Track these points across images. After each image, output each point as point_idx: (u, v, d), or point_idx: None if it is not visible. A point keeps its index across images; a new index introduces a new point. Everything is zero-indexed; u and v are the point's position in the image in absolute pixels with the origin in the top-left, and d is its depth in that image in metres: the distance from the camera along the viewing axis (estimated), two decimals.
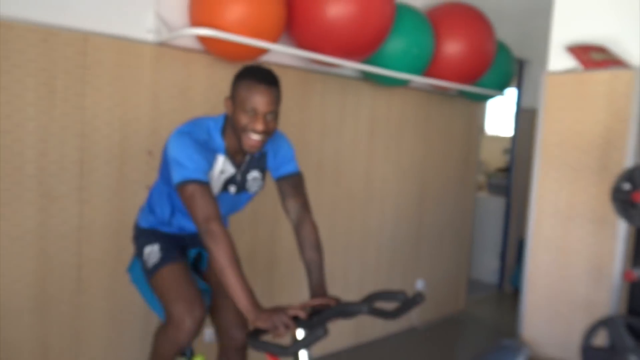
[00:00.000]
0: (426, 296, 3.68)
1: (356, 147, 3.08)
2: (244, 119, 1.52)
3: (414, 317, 3.61)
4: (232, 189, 1.70)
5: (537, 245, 2.37)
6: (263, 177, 1.75)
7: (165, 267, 1.69)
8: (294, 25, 2.35)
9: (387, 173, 3.29)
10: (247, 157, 1.68)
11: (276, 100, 1.54)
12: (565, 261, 2.27)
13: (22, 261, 1.96)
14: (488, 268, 4.87)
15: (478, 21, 3.01)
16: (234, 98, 1.56)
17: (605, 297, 2.13)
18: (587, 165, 2.19)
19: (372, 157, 3.18)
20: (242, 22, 2.10)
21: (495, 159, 5.71)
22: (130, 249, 2.19)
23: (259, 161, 1.72)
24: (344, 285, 3.14)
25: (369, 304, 1.29)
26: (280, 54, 2.45)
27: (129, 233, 2.18)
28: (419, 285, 3.65)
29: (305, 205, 1.69)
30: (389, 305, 1.40)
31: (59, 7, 1.95)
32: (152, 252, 1.72)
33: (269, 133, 1.55)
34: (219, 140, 1.61)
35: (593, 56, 2.11)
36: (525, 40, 4.16)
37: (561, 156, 2.28)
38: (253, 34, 2.14)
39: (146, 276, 1.73)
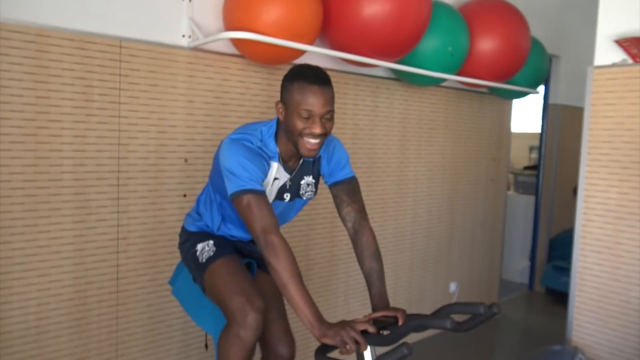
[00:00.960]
0: (458, 298, 3.62)
1: (388, 149, 3.01)
2: (299, 124, 1.46)
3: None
4: (287, 196, 1.64)
5: (585, 246, 2.28)
6: (317, 183, 1.69)
7: (220, 259, 1.63)
8: (329, 26, 2.28)
9: (419, 174, 3.22)
10: (300, 163, 1.62)
11: (331, 99, 1.47)
12: (617, 262, 2.18)
13: (61, 275, 1.91)
14: (517, 268, 4.77)
15: (513, 16, 2.93)
16: (286, 102, 1.50)
17: None
18: (638, 162, 2.10)
19: (404, 158, 3.11)
20: (278, 25, 2.04)
21: (520, 157, 5.61)
22: (167, 259, 2.15)
23: (313, 166, 1.66)
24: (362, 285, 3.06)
25: (451, 320, 1.21)
26: (314, 56, 2.39)
27: (165, 243, 2.14)
28: (453, 288, 3.57)
29: (362, 212, 1.63)
30: (457, 317, 1.33)
31: (93, 14, 1.90)
32: (206, 247, 1.67)
33: (327, 135, 1.49)
34: (272, 147, 1.55)
35: None
36: (552, 35, 4.06)
37: (610, 153, 2.19)
38: (290, 36, 2.08)
39: (199, 273, 1.66)
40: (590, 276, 2.27)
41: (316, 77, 1.46)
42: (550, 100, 4.43)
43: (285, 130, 1.52)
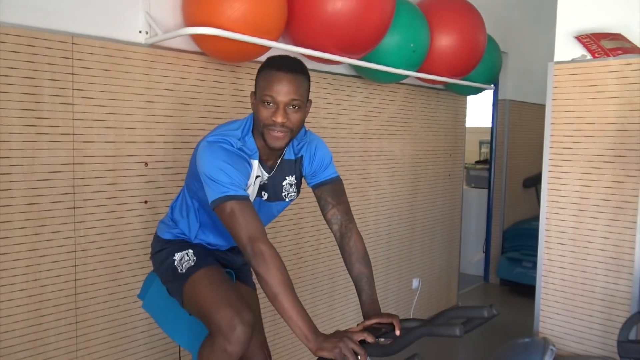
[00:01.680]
0: (420, 294, 3.64)
1: (351, 147, 2.97)
2: (263, 112, 1.40)
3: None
4: (264, 194, 1.56)
5: (550, 239, 2.33)
6: (299, 184, 1.61)
7: (203, 269, 1.53)
8: (294, 22, 2.21)
9: (381, 172, 3.20)
10: (279, 162, 1.54)
11: (298, 89, 1.39)
12: (581, 253, 2.24)
13: (13, 294, 1.74)
14: (472, 260, 4.88)
15: (470, 13, 2.96)
16: (255, 91, 1.44)
17: (625, 288, 2.11)
18: (600, 155, 2.16)
19: (367, 156, 3.08)
20: (243, 20, 1.94)
21: (471, 152, 5.73)
22: (129, 270, 2.02)
23: (295, 166, 1.58)
24: (345, 289, 3.03)
25: (460, 327, 1.15)
26: (279, 53, 2.30)
27: (126, 253, 2.01)
28: (415, 284, 3.59)
29: (349, 214, 1.57)
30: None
31: (42, 7, 1.74)
32: (186, 256, 1.56)
33: (293, 127, 1.42)
34: (251, 144, 1.47)
35: (604, 44, 2.08)
36: (500, 32, 4.16)
37: (572, 147, 2.24)
38: (254, 32, 1.99)
39: (177, 285, 1.54)
40: (555, 268, 2.32)
41: (283, 64, 1.40)
42: (500, 96, 4.55)
43: (255, 123, 1.46)
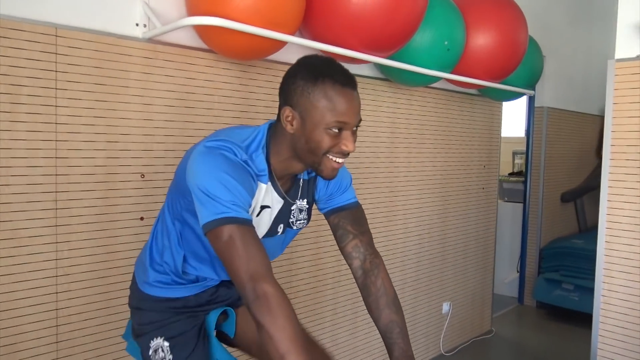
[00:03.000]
0: (451, 319, 3.31)
1: (376, 156, 2.68)
2: (327, 140, 1.12)
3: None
4: (280, 228, 1.28)
5: (611, 266, 2.00)
6: (310, 209, 1.33)
7: None
8: (313, 14, 1.94)
9: (409, 184, 2.90)
10: (297, 184, 1.27)
11: (360, 107, 1.18)
12: None
13: None
14: (505, 280, 4.51)
15: (510, 7, 2.65)
16: (304, 110, 1.13)
17: None
18: None
19: (394, 166, 2.79)
20: (255, 10, 1.68)
21: (504, 163, 5.37)
22: (121, 297, 1.75)
23: (308, 188, 1.30)
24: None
25: None
26: (296, 49, 2.04)
27: (119, 277, 1.75)
28: (445, 308, 3.26)
29: (373, 246, 1.29)
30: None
31: None
32: (160, 352, 1.27)
33: None
34: (260, 163, 1.18)
35: None
36: (537, 35, 3.83)
37: (637, 159, 1.91)
38: (268, 25, 1.72)
39: None
40: (616, 300, 1.98)
41: (347, 77, 1.14)
42: (536, 103, 4.20)
43: (296, 146, 1.17)
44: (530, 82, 3.16)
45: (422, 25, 2.23)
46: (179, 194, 1.23)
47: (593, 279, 3.71)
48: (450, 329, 3.30)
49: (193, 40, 1.88)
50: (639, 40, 1.92)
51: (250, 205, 1.14)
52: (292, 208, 1.28)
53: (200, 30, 1.79)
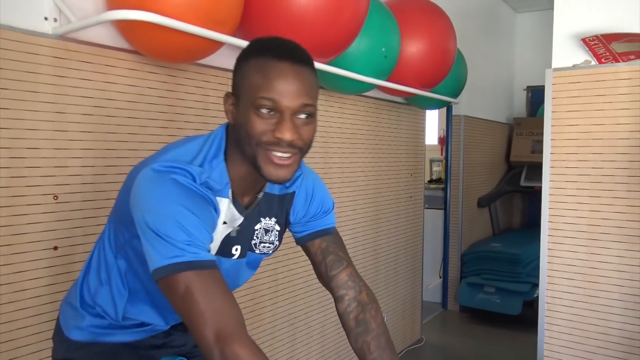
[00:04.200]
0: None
1: (310, 165, 2.54)
2: (258, 124, 0.91)
3: None
4: (236, 250, 1.07)
5: (554, 273, 2.01)
6: (282, 232, 1.15)
7: None
8: (251, 14, 1.77)
9: (343, 196, 2.79)
10: (259, 198, 1.08)
11: (310, 89, 0.94)
12: (592, 289, 1.93)
13: None
14: (428, 286, 4.56)
15: (440, 16, 2.64)
16: (238, 91, 0.95)
17: None
18: (611, 175, 1.87)
19: (328, 179, 2.66)
20: (189, 5, 1.48)
21: None
22: (31, 345, 1.46)
23: (280, 204, 1.12)
24: (306, 330, 2.57)
25: None
26: (230, 53, 1.85)
27: (28, 320, 1.46)
28: None
29: (360, 278, 1.14)
30: None
31: None
32: None
33: (304, 147, 0.96)
34: (221, 173, 0.98)
35: (615, 47, 1.80)
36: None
37: (578, 166, 1.94)
38: (204, 22, 1.53)
39: None
40: (561, 307, 1.99)
41: (287, 50, 0.93)
42: (454, 112, 4.30)
43: (237, 139, 0.97)
44: (456, 90, 3.19)
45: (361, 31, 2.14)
46: (122, 225, 1.01)
47: (513, 281, 3.89)
48: None
49: (113, 38, 1.63)
50: (574, 51, 1.95)
51: (211, 241, 0.94)
52: (255, 227, 1.10)
53: (123, 27, 1.55)
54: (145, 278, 1.02)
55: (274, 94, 0.90)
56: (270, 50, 0.93)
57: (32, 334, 1.46)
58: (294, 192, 1.13)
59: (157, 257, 0.85)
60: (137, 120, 1.73)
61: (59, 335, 1.13)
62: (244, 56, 0.96)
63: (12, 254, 1.41)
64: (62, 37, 1.50)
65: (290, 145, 0.92)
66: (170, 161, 0.93)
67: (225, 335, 0.82)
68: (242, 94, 0.95)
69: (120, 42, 1.64)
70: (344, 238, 2.68)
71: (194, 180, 0.92)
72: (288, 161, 0.94)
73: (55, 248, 1.51)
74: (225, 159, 0.99)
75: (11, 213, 1.41)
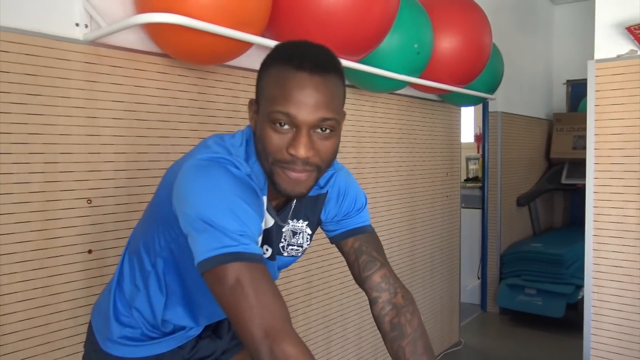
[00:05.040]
0: None
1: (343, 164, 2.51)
2: (273, 139, 0.88)
3: None
4: (267, 252, 1.04)
5: (600, 275, 1.91)
6: (312, 234, 1.13)
7: None
8: (279, 14, 1.75)
9: (377, 196, 2.75)
10: (293, 203, 1.05)
11: (331, 100, 0.88)
12: None
13: None
14: (467, 288, 4.45)
15: (474, 11, 2.57)
16: (258, 100, 0.94)
17: None
18: None
19: (361, 179, 2.62)
20: (217, 6, 1.47)
21: None
22: (67, 348, 1.48)
23: (312, 206, 1.08)
24: (342, 335, 2.54)
25: None
26: (259, 53, 1.83)
27: (63, 324, 1.47)
28: None
29: (396, 279, 1.10)
30: None
31: None
32: None
33: (321, 164, 0.91)
34: (260, 174, 0.96)
35: None
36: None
37: (624, 162, 1.84)
38: (232, 23, 1.51)
39: None
40: (608, 310, 1.90)
41: (308, 58, 0.88)
42: (490, 108, 4.19)
43: (257, 148, 0.95)
44: (492, 87, 3.10)
45: (392, 28, 2.09)
46: (164, 226, 0.99)
47: (556, 283, 3.75)
48: None
49: (143, 42, 1.64)
50: (618, 41, 1.85)
51: (260, 234, 0.92)
52: (283, 230, 1.07)
53: (153, 30, 1.56)
54: (187, 276, 1.01)
55: (289, 107, 0.86)
56: (289, 59, 0.88)
57: (68, 337, 1.47)
58: (327, 192, 1.09)
59: (205, 247, 0.82)
60: (168, 124, 1.73)
61: (92, 344, 1.12)
62: (266, 63, 0.93)
63: (46, 257, 1.43)
64: (93, 43, 1.52)
65: (306, 163, 0.88)
66: (217, 153, 0.91)
67: (274, 333, 0.79)
68: (260, 105, 0.92)
69: (150, 46, 1.65)
70: (380, 238, 2.64)
71: (241, 171, 0.91)
72: (303, 177, 0.91)
73: (90, 252, 1.53)
74: (259, 159, 0.97)
75: (46, 217, 1.43)
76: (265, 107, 0.90)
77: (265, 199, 0.97)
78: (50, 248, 1.44)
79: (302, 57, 0.88)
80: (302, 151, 0.87)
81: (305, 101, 0.86)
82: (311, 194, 1.07)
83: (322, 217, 1.11)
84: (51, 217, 1.44)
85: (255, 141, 0.95)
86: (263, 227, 0.96)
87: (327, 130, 0.90)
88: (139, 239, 1.07)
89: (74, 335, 1.49)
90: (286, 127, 0.88)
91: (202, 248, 0.83)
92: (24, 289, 1.39)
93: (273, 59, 0.92)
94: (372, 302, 1.10)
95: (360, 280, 1.11)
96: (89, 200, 1.52)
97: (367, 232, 1.13)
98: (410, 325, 1.05)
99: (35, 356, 1.42)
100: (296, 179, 0.90)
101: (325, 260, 2.40)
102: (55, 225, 1.45)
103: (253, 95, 1.00)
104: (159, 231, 1.01)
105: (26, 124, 1.38)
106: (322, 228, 1.16)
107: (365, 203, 1.16)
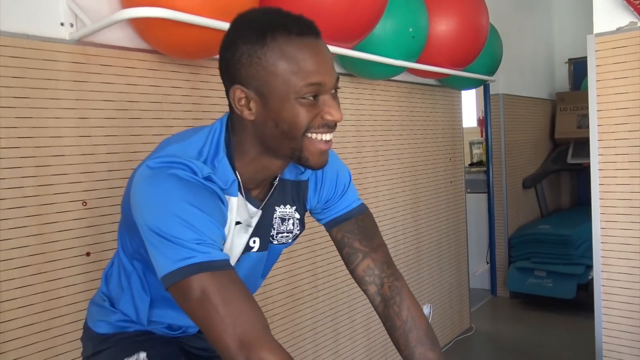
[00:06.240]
0: (433, 321, 3.15)
1: (343, 157, 2.48)
2: (303, 112, 0.84)
3: None
4: (254, 242, 1.01)
5: (608, 253, 1.88)
6: (302, 220, 1.09)
7: None
8: (268, 3, 1.71)
9: (379, 184, 2.71)
10: (273, 188, 1.01)
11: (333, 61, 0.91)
12: None
13: None
14: (476, 272, 4.42)
15: None
16: (260, 82, 0.85)
17: None
18: None
19: (361, 165, 2.59)
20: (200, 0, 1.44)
21: None
22: (69, 353, 1.46)
23: (294, 191, 1.05)
24: (350, 327, 2.52)
25: None
26: None
27: (64, 328, 1.46)
28: (426, 311, 3.08)
29: (391, 264, 1.07)
30: None
31: None
32: None
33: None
34: (227, 171, 0.91)
35: None
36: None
37: (628, 137, 1.80)
38: (220, 16, 1.48)
39: None
40: (618, 289, 1.86)
41: (303, 23, 0.86)
42: (492, 91, 4.13)
43: (264, 136, 0.89)
44: (491, 68, 3.06)
45: (385, 12, 2.05)
46: (131, 230, 0.96)
47: (565, 264, 3.71)
48: None
49: (133, 39, 1.61)
50: (618, 13, 1.81)
51: (223, 238, 0.88)
52: (274, 215, 1.04)
53: (140, 26, 1.53)
54: None
55: (318, 77, 0.84)
56: (285, 28, 0.84)
57: (70, 342, 1.46)
58: (307, 180, 1.06)
59: (165, 262, 0.80)
60: (162, 121, 1.71)
61: (86, 333, 1.12)
62: (257, 36, 0.84)
63: (44, 262, 1.41)
64: (80, 42, 1.49)
65: (335, 124, 0.88)
66: (169, 156, 0.87)
67: (250, 341, 0.77)
68: (270, 89, 0.85)
69: (140, 43, 1.62)
70: (383, 230, 2.59)
71: (195, 174, 0.86)
72: (330, 145, 0.91)
73: (88, 254, 1.51)
74: (230, 156, 0.92)
75: (41, 222, 1.41)
76: (284, 88, 0.84)
77: (236, 199, 0.93)
78: (47, 252, 1.42)
79: (294, 22, 0.86)
80: (338, 114, 0.87)
81: (326, 65, 0.86)
82: (293, 178, 1.04)
83: (307, 206, 1.08)
84: (47, 221, 1.42)
85: (255, 129, 0.90)
86: (232, 227, 0.93)
87: (335, 89, 0.90)
88: (118, 240, 1.05)
89: (76, 340, 1.47)
90: (315, 97, 0.86)
91: (162, 263, 0.81)
92: (24, 295, 1.38)
93: (267, 30, 0.84)
94: (365, 294, 1.09)
95: (350, 274, 1.09)
96: (84, 202, 1.50)
97: (351, 217, 1.08)
98: (399, 317, 1.03)
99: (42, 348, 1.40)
100: (326, 147, 0.89)
101: (330, 252, 2.37)
102: (52, 229, 1.43)
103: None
104: (130, 233, 0.98)
105: (15, 128, 1.36)
106: (314, 218, 1.13)
107: (349, 182, 1.12)
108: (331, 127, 0.88)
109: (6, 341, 1.34)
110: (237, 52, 0.86)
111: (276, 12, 0.89)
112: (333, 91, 0.88)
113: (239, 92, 0.88)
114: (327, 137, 0.88)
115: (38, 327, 1.40)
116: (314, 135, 0.87)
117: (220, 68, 0.92)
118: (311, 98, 0.85)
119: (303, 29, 0.85)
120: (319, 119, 0.86)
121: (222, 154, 0.91)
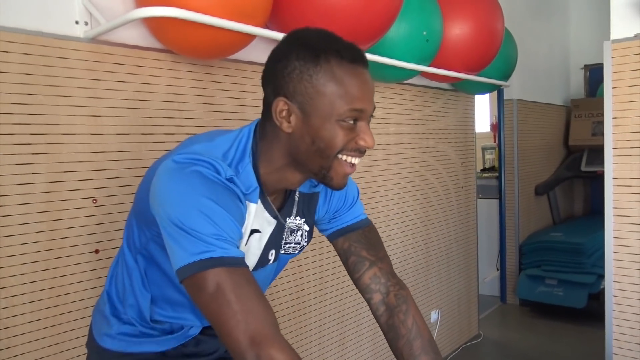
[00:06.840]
0: (441, 327, 3.13)
1: None
2: (341, 134, 0.88)
3: None
4: (271, 255, 1.02)
5: (621, 263, 1.85)
6: (310, 232, 1.09)
7: None
8: (282, 4, 1.71)
9: (389, 188, 2.70)
10: (291, 198, 1.02)
11: None
12: None
13: None
14: (485, 279, 4.39)
15: None
16: (306, 99, 0.87)
17: None
18: None
19: (372, 169, 2.58)
20: (214, 0, 1.44)
21: None
22: (75, 349, 1.47)
23: (305, 204, 1.06)
24: (356, 332, 2.51)
25: None
26: (264, 46, 1.81)
27: (71, 325, 1.46)
28: (434, 317, 3.08)
29: (395, 275, 1.07)
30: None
31: None
32: None
33: None
34: (249, 175, 0.92)
35: None
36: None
37: None
38: (234, 16, 1.48)
39: None
40: (630, 299, 1.83)
41: (356, 51, 0.90)
42: (505, 96, 4.10)
43: (297, 150, 0.91)
44: (506, 73, 3.03)
45: (399, 15, 2.04)
46: (143, 224, 0.97)
47: (577, 273, 3.67)
48: (439, 338, 3.12)
49: (145, 38, 1.62)
50: (635, 19, 1.78)
51: (240, 238, 0.89)
52: (285, 228, 1.04)
53: (154, 25, 1.54)
54: (169, 276, 0.98)
55: (361, 104, 0.88)
56: (343, 53, 0.88)
57: (77, 338, 1.47)
58: (319, 192, 1.07)
59: (183, 254, 0.80)
60: (173, 120, 1.71)
61: (91, 343, 1.12)
62: (310, 57, 0.87)
63: (53, 258, 1.42)
64: (94, 40, 1.50)
65: (365, 151, 0.93)
66: (194, 154, 0.88)
67: (260, 339, 0.77)
68: (314, 107, 0.87)
69: (153, 42, 1.63)
70: (392, 234, 2.60)
71: (218, 174, 0.87)
72: (354, 168, 0.93)
73: (97, 252, 1.52)
74: (256, 163, 0.93)
75: (51, 218, 1.42)
76: (328, 109, 0.87)
77: (255, 206, 0.93)
78: (57, 249, 1.43)
79: (347, 49, 0.89)
80: (372, 141, 0.91)
81: (370, 94, 0.91)
82: (307, 191, 1.04)
83: (316, 216, 1.09)
84: (57, 218, 1.43)
85: (289, 141, 0.91)
86: (247, 234, 0.94)
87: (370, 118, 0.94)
88: (124, 236, 1.05)
89: (83, 336, 1.47)
90: (354, 122, 0.89)
91: (179, 255, 0.81)
92: (32, 290, 1.39)
93: (320, 53, 0.87)
94: (368, 304, 1.09)
95: (354, 283, 1.10)
96: (95, 200, 1.51)
97: (358, 229, 1.10)
98: (404, 325, 1.03)
99: (45, 357, 1.41)
100: (350, 172, 0.93)
101: (337, 257, 2.36)
102: (61, 225, 1.44)
103: (259, 90, 0.96)
104: (141, 227, 0.99)
105: (29, 125, 1.37)
106: (317, 228, 1.14)
107: (357, 196, 1.14)
108: (362, 152, 0.92)
109: (14, 335, 1.35)
110: (288, 66, 0.88)
111: (331, 36, 0.92)
112: (369, 119, 0.92)
113: (282, 104, 0.89)
114: (355, 160, 0.92)
115: (46, 322, 1.41)
116: (344, 157, 0.90)
117: (265, 76, 0.94)
118: (351, 122, 0.88)
119: (355, 56, 0.89)
120: (353, 143, 0.89)
121: (248, 160, 0.92)
